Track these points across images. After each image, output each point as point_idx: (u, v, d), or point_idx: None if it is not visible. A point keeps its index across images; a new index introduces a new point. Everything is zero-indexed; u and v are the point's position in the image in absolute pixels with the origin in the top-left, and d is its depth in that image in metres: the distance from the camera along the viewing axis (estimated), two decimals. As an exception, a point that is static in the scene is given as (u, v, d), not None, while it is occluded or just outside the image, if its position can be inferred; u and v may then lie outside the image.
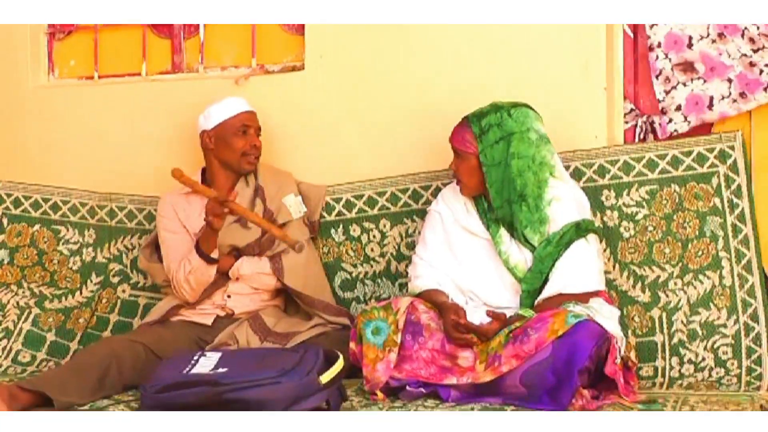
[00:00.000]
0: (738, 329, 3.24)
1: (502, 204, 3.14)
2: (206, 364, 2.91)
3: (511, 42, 3.56)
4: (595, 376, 2.87)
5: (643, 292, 3.35)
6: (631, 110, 3.59)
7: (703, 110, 3.51)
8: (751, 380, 3.13)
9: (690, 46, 3.52)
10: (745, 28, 3.47)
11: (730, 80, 3.48)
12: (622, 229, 3.39)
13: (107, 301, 3.88)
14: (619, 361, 2.85)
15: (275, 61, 3.96)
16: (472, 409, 2.81)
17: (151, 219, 3.88)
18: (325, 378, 2.77)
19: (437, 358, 3.04)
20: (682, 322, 3.29)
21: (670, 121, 3.53)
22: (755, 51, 3.46)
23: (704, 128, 3.52)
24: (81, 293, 3.90)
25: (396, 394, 3.01)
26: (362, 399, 3.01)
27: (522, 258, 3.14)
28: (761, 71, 3.45)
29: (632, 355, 3.08)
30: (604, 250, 3.36)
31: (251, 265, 3.51)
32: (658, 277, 3.34)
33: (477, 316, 3.06)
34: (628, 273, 3.37)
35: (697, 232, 3.33)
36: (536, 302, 3.09)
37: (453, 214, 3.28)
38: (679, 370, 3.23)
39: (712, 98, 3.50)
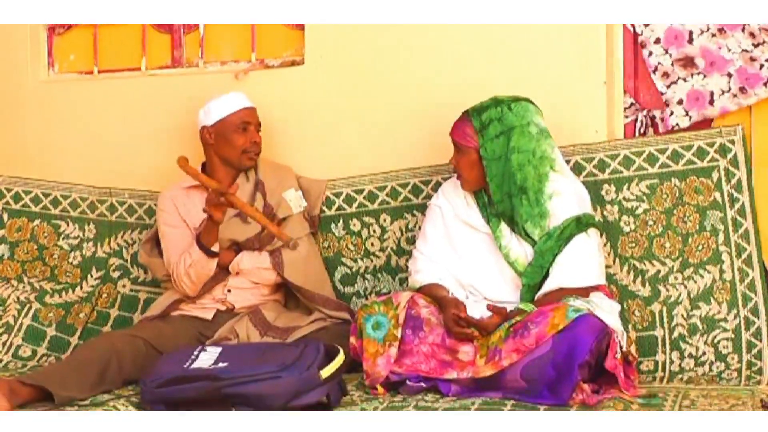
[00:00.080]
0: (738, 323, 3.24)
1: (503, 198, 3.14)
2: (206, 358, 2.91)
3: (511, 36, 3.56)
4: (596, 371, 2.88)
5: (644, 286, 3.35)
6: (631, 104, 3.59)
7: (704, 106, 3.51)
8: (752, 374, 3.13)
9: (690, 41, 3.52)
10: (746, 22, 3.47)
11: (729, 75, 3.48)
12: (622, 224, 3.39)
13: (107, 295, 3.89)
14: (619, 355, 2.85)
15: (275, 56, 3.96)
16: (473, 403, 2.81)
17: (151, 214, 3.88)
18: (326, 373, 2.77)
19: (437, 352, 3.04)
20: (682, 316, 3.29)
21: (672, 114, 3.53)
22: (756, 46, 3.45)
23: (705, 123, 3.52)
24: (81, 288, 3.90)
25: (396, 388, 3.02)
26: (362, 394, 3.01)
27: (522, 252, 3.14)
28: (761, 66, 3.45)
29: (632, 349, 3.08)
30: (605, 245, 3.36)
31: (251, 259, 3.51)
32: (659, 271, 3.34)
33: (477, 311, 3.06)
34: (629, 267, 3.37)
35: (697, 227, 3.33)
36: (537, 296, 3.09)
37: (453, 209, 3.28)
38: (680, 365, 3.24)
39: (712, 93, 3.50)
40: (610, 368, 2.82)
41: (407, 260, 3.46)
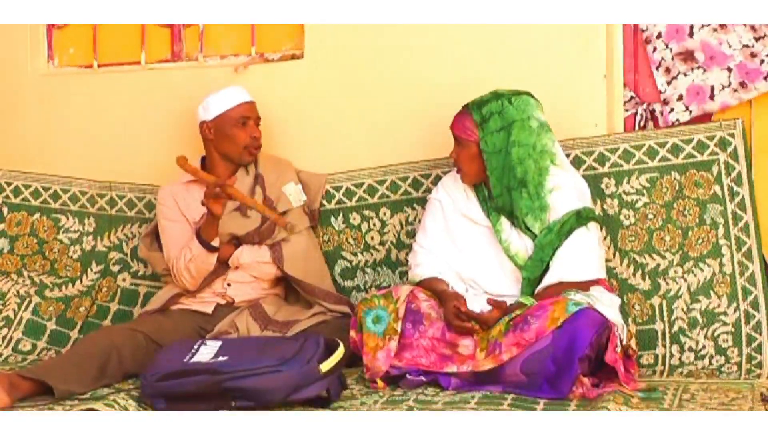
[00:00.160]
0: (738, 317, 3.24)
1: (503, 191, 3.14)
2: (206, 352, 2.91)
3: (511, 29, 3.55)
4: (596, 364, 2.88)
5: (644, 280, 3.35)
6: (631, 98, 3.59)
7: (705, 100, 3.50)
8: (752, 368, 3.13)
9: (691, 34, 3.51)
10: (748, 16, 3.46)
11: (729, 69, 3.47)
12: (622, 217, 3.39)
13: (107, 289, 3.88)
14: (619, 349, 2.85)
15: (275, 50, 3.95)
16: (473, 397, 2.81)
17: (151, 208, 3.88)
18: (326, 366, 2.77)
19: (437, 346, 3.04)
20: (682, 309, 3.29)
21: (672, 110, 3.52)
22: (757, 39, 3.45)
23: (705, 117, 3.52)
24: (81, 282, 3.90)
25: (396, 382, 3.02)
26: (362, 387, 3.01)
27: (522, 246, 3.14)
28: (762, 61, 3.44)
29: (632, 343, 3.08)
30: (605, 238, 3.36)
31: (251, 253, 3.51)
32: (659, 265, 3.35)
33: (477, 304, 3.06)
34: (629, 261, 3.37)
35: (697, 220, 3.33)
36: (537, 290, 3.09)
37: (453, 202, 3.28)
38: (680, 358, 3.24)
39: (712, 88, 3.49)
40: (610, 362, 2.82)
41: (407, 254, 3.46)
